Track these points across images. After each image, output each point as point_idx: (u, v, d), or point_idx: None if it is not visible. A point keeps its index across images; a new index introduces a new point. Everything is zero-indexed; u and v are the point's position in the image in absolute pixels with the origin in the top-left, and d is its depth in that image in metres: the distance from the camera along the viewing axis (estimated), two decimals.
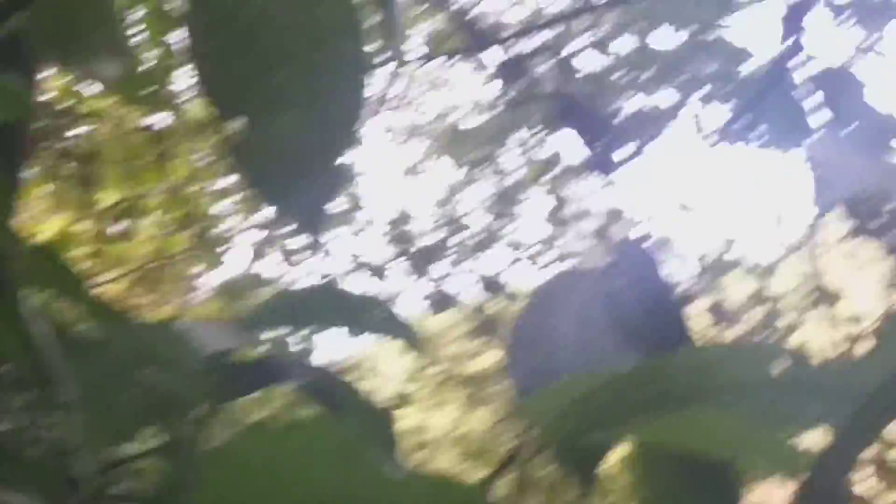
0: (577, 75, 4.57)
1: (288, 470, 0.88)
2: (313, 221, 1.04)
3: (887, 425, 0.74)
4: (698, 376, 0.74)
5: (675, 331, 1.36)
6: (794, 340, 5.13)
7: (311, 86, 0.97)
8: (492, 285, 5.73)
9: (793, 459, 0.81)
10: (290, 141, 0.98)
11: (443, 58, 5.99)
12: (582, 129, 2.90)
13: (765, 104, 2.01)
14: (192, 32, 0.97)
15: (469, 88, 6.89)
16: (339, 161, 1.01)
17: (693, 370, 0.74)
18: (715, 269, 5.70)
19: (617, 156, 3.06)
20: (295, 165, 0.99)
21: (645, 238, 1.51)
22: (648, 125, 4.44)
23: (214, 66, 0.96)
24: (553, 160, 5.74)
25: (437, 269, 5.81)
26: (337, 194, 1.04)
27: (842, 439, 0.70)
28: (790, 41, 1.96)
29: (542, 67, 4.52)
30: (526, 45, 5.61)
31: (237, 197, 5.53)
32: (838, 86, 2.03)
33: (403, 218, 6.02)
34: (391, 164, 7.19)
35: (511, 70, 3.37)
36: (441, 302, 6.07)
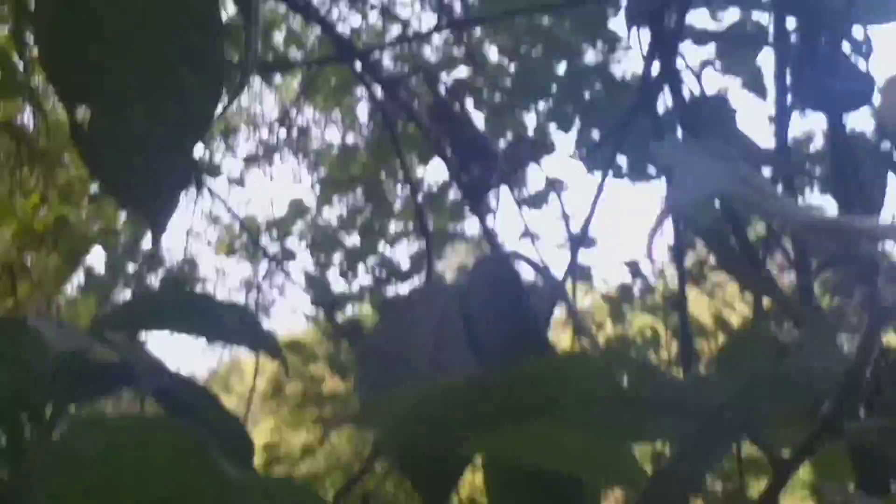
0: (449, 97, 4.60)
1: (123, 467, 0.85)
2: (157, 217, 1.01)
3: (729, 447, 0.73)
4: (547, 387, 0.72)
5: (537, 350, 1.35)
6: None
7: (165, 77, 0.94)
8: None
9: (637, 475, 0.81)
10: (138, 132, 0.95)
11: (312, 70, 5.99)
12: (455, 151, 2.88)
13: (630, 133, 2.02)
14: (38, 12, 0.94)
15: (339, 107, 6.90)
16: (188, 157, 0.99)
17: (541, 380, 0.72)
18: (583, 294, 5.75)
19: (491, 181, 3.04)
20: (142, 157, 0.96)
21: (511, 256, 1.50)
22: (525, 152, 4.48)
23: (59, 48, 0.93)
24: (430, 185, 5.75)
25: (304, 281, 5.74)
26: (183, 190, 1.01)
27: (681, 457, 0.69)
28: (656, 70, 1.98)
29: (414, 89, 4.51)
30: (397, 63, 5.66)
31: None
32: (709, 113, 2.06)
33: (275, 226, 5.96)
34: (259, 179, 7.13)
35: (384, 89, 3.34)
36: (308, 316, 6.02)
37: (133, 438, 0.86)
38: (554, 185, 4.74)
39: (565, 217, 4.57)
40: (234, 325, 1.39)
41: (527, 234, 4.56)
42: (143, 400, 1.38)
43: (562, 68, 4.66)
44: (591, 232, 2.51)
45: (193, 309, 1.38)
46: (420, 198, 4.58)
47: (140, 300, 1.55)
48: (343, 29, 5.45)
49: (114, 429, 0.89)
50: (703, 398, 0.68)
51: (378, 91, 3.49)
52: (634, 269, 5.54)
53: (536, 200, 4.73)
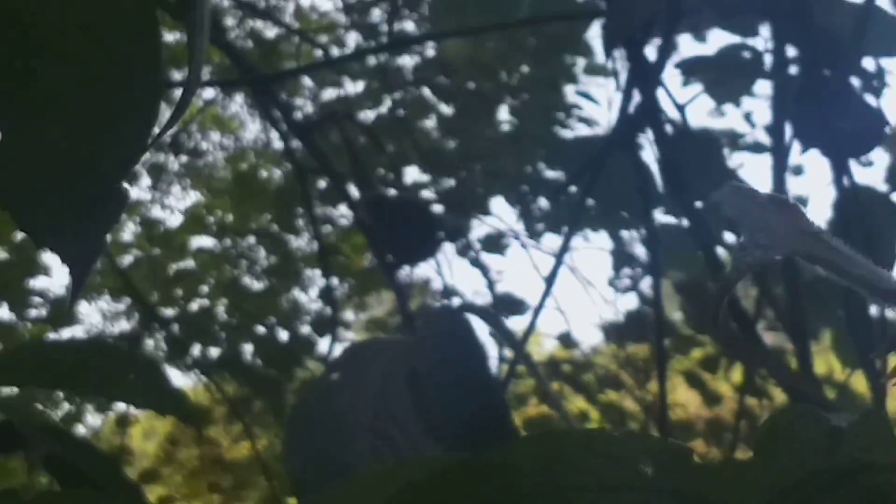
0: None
1: None
2: (80, 261, 0.95)
3: None
4: (549, 472, 0.68)
5: (494, 414, 1.32)
6: None
7: (93, 91, 0.89)
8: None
9: None
10: (59, 155, 0.89)
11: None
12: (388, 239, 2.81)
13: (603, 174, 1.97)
14: None
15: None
16: (118, 188, 0.93)
17: (542, 465, 0.68)
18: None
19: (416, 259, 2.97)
20: (63, 186, 0.90)
21: (465, 308, 1.46)
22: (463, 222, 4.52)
23: None
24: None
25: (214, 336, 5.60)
26: (114, 223, 0.96)
27: None
28: (633, 103, 1.94)
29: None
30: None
31: None
32: (695, 150, 2.03)
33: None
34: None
35: (298, 135, 3.28)
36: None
37: None
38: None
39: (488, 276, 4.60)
40: (139, 383, 1.35)
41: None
42: (33, 466, 1.34)
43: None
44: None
45: (92, 363, 1.34)
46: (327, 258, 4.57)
47: (30, 349, 1.49)
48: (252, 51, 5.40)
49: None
50: (748, 491, 0.64)
51: (282, 121, 3.44)
52: (567, 341, 5.42)
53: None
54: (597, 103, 4.27)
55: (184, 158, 6.41)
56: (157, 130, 0.91)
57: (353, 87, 5.34)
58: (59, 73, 0.87)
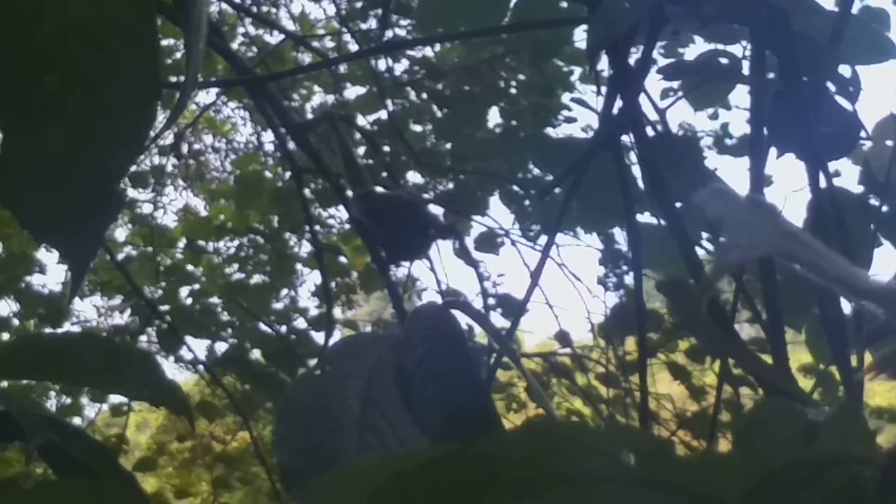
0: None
1: None
2: (78, 256, 0.95)
3: None
4: (533, 463, 0.68)
5: (477, 406, 1.33)
6: None
7: (91, 94, 0.89)
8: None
9: None
10: (59, 155, 0.89)
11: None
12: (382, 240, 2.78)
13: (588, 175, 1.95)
14: None
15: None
16: (115, 186, 0.93)
17: (528, 456, 0.68)
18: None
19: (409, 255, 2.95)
20: (62, 184, 0.90)
21: (452, 304, 1.46)
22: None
23: None
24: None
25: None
26: (111, 222, 0.95)
27: None
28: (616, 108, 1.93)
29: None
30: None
31: None
32: (675, 152, 2.03)
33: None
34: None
35: (293, 137, 3.26)
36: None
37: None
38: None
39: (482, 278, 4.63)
40: (135, 375, 1.34)
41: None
42: (30, 455, 1.34)
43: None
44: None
45: (88, 356, 1.33)
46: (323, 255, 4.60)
47: (26, 343, 1.48)
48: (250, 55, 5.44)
49: (19, 495, 0.85)
50: (727, 483, 0.64)
51: (277, 122, 3.42)
52: (564, 339, 5.39)
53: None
54: (593, 110, 4.28)
55: (181, 160, 6.43)
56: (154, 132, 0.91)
57: (350, 93, 5.43)
58: (60, 77, 0.87)
